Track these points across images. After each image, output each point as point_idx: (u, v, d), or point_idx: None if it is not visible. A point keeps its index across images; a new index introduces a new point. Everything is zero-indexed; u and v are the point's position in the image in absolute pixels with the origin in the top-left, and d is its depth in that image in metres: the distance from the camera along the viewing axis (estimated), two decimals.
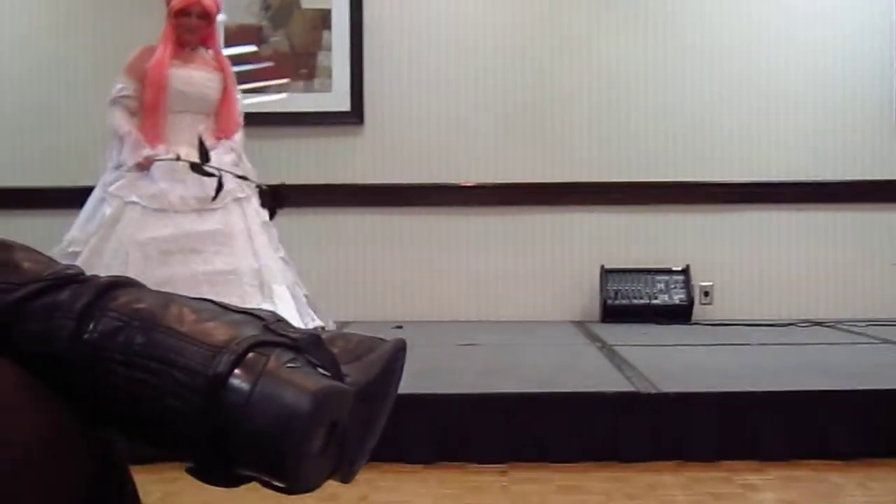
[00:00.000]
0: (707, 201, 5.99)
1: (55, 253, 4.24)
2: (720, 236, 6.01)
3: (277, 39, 6.03)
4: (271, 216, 4.12)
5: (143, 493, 1.16)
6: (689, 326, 5.63)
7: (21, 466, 0.99)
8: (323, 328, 4.31)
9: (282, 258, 4.72)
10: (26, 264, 1.15)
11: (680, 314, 5.77)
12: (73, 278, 1.14)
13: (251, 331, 1.08)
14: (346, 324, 5.02)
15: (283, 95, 6.02)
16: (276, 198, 4.29)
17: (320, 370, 1.07)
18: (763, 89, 5.98)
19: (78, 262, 4.18)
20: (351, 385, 1.10)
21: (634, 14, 6.00)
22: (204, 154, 4.39)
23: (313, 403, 1.00)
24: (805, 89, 5.98)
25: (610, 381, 3.70)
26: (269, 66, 6.04)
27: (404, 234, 5.95)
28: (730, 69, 5.98)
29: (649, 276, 5.85)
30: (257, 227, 4.64)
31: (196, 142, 4.23)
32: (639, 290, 5.82)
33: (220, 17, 5.95)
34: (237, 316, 1.12)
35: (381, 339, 1.23)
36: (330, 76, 5.99)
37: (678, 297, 5.81)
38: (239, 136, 4.80)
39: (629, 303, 5.81)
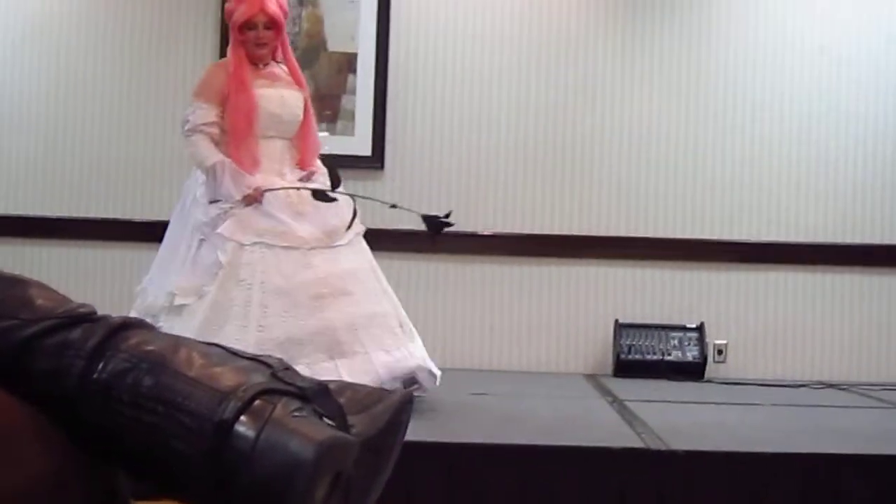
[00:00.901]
0: (724, 259, 5.97)
1: (145, 305, 4.03)
2: (735, 294, 5.99)
3: None
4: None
5: None
6: (701, 384, 5.60)
7: (26, 502, 0.99)
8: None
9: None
10: (39, 301, 1.16)
11: (693, 371, 5.74)
12: (86, 317, 1.15)
13: (259, 378, 1.08)
14: None
15: None
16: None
17: (326, 420, 1.07)
18: (786, 152, 5.97)
19: (197, 316, 3.84)
20: (356, 436, 1.11)
21: (667, 70, 6.00)
22: (335, 178, 4.17)
23: (318, 453, 1.00)
24: (828, 153, 5.97)
25: (620, 436, 3.68)
26: None
27: (420, 279, 5.94)
28: (754, 131, 5.97)
29: (663, 332, 5.83)
30: (375, 263, 4.27)
31: (284, 169, 4.07)
32: (652, 345, 5.80)
33: None
34: (245, 362, 1.12)
35: (388, 390, 1.23)
36: (353, 119, 6.02)
37: (691, 354, 5.78)
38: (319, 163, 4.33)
39: (642, 358, 5.78)
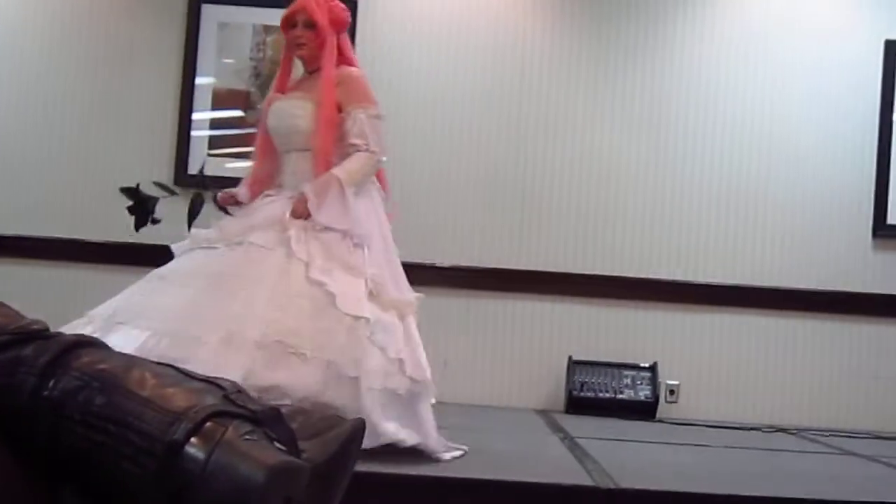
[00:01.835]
0: (679, 300, 6.01)
1: None
2: (689, 335, 6.03)
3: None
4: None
5: None
6: (653, 423, 5.62)
7: None
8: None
9: None
10: None
11: (645, 410, 5.76)
12: (39, 334, 1.14)
13: (211, 399, 1.08)
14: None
15: None
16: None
17: (277, 444, 1.07)
18: (744, 195, 6.04)
19: None
20: (307, 461, 1.10)
21: (629, 109, 6.05)
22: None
23: (268, 477, 1.00)
24: (785, 199, 6.04)
25: (570, 473, 3.68)
26: (254, 132, 6.06)
27: None
28: (712, 175, 6.04)
29: (616, 371, 5.85)
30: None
31: (299, 184, 3.78)
32: (605, 383, 5.82)
33: (207, 81, 5.98)
34: (198, 384, 1.12)
35: (340, 417, 1.23)
36: None
37: (644, 393, 5.81)
38: (344, 170, 3.84)
39: (594, 395, 5.80)
